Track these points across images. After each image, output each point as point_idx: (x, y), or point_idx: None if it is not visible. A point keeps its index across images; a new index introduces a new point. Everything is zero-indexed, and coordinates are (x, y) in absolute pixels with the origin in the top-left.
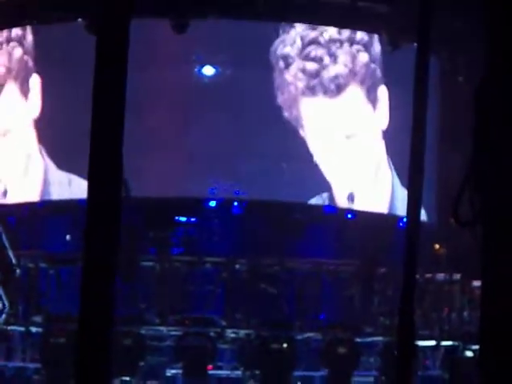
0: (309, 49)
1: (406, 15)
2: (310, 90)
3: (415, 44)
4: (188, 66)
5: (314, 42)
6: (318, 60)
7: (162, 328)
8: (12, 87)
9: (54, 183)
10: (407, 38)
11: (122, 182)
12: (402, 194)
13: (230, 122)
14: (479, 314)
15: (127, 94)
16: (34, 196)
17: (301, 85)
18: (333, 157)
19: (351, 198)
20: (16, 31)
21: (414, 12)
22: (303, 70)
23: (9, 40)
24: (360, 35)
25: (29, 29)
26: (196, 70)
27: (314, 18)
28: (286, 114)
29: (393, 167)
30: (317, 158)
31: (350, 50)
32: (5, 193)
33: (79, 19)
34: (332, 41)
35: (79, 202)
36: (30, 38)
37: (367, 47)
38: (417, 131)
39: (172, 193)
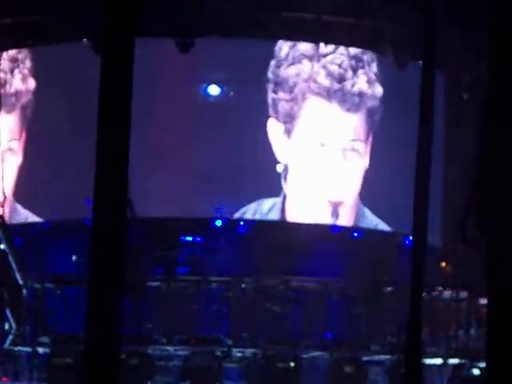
0: (333, 56)
1: (411, 34)
2: (327, 95)
3: (420, 62)
4: (193, 85)
5: (338, 52)
6: (343, 68)
7: (168, 348)
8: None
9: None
10: (412, 57)
11: (128, 203)
12: (367, 212)
13: (235, 141)
14: (486, 331)
15: (132, 113)
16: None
17: (318, 85)
18: (319, 166)
19: (336, 214)
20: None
21: (418, 30)
22: (327, 71)
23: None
24: (376, 65)
25: (28, 53)
26: (201, 89)
27: (319, 37)
28: (280, 109)
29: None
30: (294, 164)
31: (371, 76)
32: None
33: (84, 39)
34: (355, 57)
35: (85, 222)
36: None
37: (378, 77)
38: (423, 149)
39: (178, 213)
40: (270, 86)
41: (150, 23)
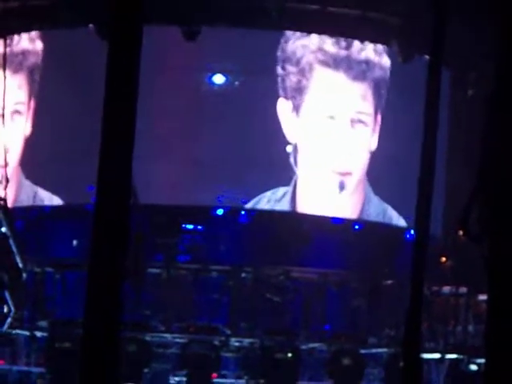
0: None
1: (418, 28)
2: (334, 62)
3: (426, 56)
4: (198, 73)
5: None
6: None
7: (166, 335)
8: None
9: (22, 190)
10: (418, 51)
11: (131, 189)
12: (374, 200)
13: (238, 130)
14: (484, 327)
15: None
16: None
17: (324, 55)
18: (328, 139)
19: (342, 185)
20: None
21: (426, 25)
22: (332, 38)
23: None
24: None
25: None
26: (206, 78)
27: (326, 29)
28: (288, 84)
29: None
30: (303, 141)
31: (378, 48)
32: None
33: (90, 25)
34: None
35: (87, 207)
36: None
37: (386, 50)
38: (427, 144)
39: (180, 200)
40: (279, 64)
41: (156, 11)
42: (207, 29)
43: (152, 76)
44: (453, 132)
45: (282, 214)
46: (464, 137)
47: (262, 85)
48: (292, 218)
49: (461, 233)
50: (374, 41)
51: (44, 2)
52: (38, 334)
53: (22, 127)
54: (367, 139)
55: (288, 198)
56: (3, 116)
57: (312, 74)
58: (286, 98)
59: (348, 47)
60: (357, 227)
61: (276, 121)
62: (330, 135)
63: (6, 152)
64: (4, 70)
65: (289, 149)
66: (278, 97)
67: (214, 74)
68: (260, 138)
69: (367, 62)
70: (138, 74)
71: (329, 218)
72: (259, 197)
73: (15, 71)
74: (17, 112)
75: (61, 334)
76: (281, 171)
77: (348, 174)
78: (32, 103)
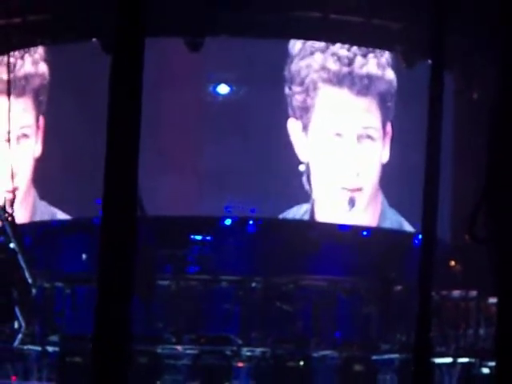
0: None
1: (420, 32)
2: (338, 80)
3: (429, 61)
4: (202, 84)
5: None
6: (353, 52)
7: (178, 347)
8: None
9: (38, 211)
10: (422, 56)
11: (138, 202)
12: (390, 213)
13: (244, 140)
14: (495, 330)
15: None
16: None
17: (327, 73)
18: (336, 156)
19: (352, 202)
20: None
21: (427, 29)
22: (336, 56)
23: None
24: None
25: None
26: (210, 88)
27: (328, 36)
28: (294, 103)
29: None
30: (313, 160)
31: (380, 60)
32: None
33: (94, 39)
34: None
35: (94, 221)
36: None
37: (390, 64)
38: (432, 148)
39: (187, 211)
40: (286, 84)
41: (159, 22)
42: (210, 39)
43: (156, 88)
44: (458, 136)
45: (289, 222)
46: (470, 140)
47: (266, 94)
48: (300, 226)
49: (467, 237)
50: (377, 47)
51: (46, 17)
52: (50, 349)
53: (30, 150)
54: (376, 154)
55: (308, 215)
56: (9, 140)
57: (316, 92)
58: (295, 117)
59: (350, 63)
60: (365, 233)
61: (283, 131)
62: (338, 152)
63: (12, 177)
64: (9, 95)
65: (301, 168)
66: (283, 107)
67: (218, 84)
68: (266, 147)
69: (369, 77)
70: (141, 86)
71: (336, 225)
72: (285, 213)
73: (19, 95)
74: (24, 136)
75: (72, 349)
76: (292, 185)
77: (358, 190)
78: (41, 123)
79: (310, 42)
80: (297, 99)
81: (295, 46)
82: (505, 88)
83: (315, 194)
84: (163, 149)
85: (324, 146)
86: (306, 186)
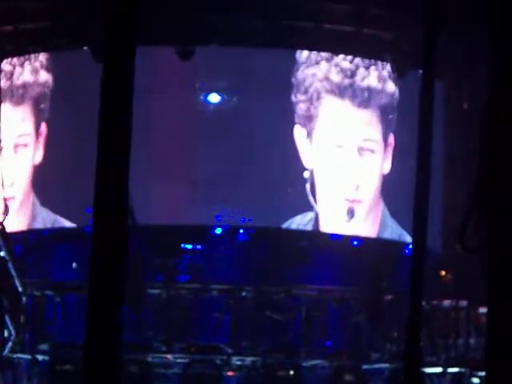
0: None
1: (411, 42)
2: (339, 91)
3: (420, 71)
4: (193, 93)
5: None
6: (355, 64)
7: (168, 355)
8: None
9: (38, 218)
10: (413, 65)
11: (128, 210)
12: (390, 223)
13: (235, 149)
14: (485, 340)
15: (132, 121)
16: (22, 227)
17: (331, 82)
18: (337, 167)
19: (351, 213)
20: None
21: (418, 39)
22: (339, 67)
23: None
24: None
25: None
26: (201, 97)
27: (319, 45)
28: (298, 111)
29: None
30: (315, 168)
31: (382, 73)
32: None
33: (85, 47)
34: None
35: (85, 229)
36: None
37: (391, 76)
38: (422, 157)
39: (178, 220)
40: (293, 92)
41: (150, 31)
42: (201, 48)
43: (147, 96)
44: (449, 144)
45: (279, 231)
46: (460, 150)
47: (258, 103)
48: (290, 236)
49: (458, 246)
50: (368, 57)
51: (38, 25)
52: (40, 357)
53: (28, 158)
54: (376, 167)
55: (312, 224)
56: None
57: (320, 102)
58: (300, 124)
59: (352, 75)
60: (355, 243)
61: (275, 139)
62: (339, 163)
63: (4, 186)
64: None
65: (306, 174)
66: (276, 115)
67: (209, 93)
68: (258, 156)
69: (369, 90)
70: (131, 95)
71: (327, 235)
72: (289, 221)
73: (17, 104)
74: (22, 145)
75: (62, 357)
76: (288, 194)
77: (357, 201)
78: (42, 130)
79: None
80: (301, 107)
81: (302, 54)
82: (496, 92)
83: (318, 202)
84: (154, 157)
85: (326, 156)
86: (309, 194)
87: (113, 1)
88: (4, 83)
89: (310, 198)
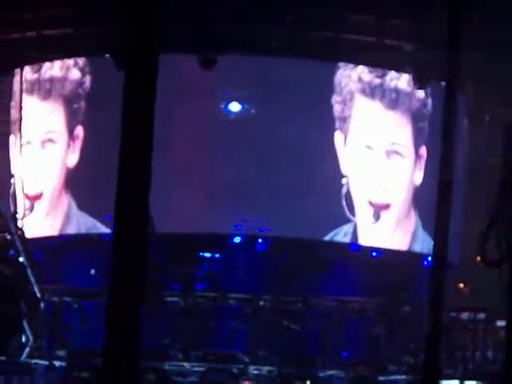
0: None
1: (432, 53)
2: (370, 90)
3: (442, 83)
4: (214, 102)
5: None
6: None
7: (185, 364)
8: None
9: (73, 221)
10: (434, 77)
11: (148, 218)
12: (423, 236)
13: (255, 159)
14: (504, 353)
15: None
16: (53, 231)
17: (362, 83)
18: (366, 169)
19: (377, 215)
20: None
21: (439, 50)
22: (368, 69)
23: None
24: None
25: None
26: (222, 106)
27: (341, 56)
28: (335, 112)
29: (416, 209)
30: (350, 173)
31: (411, 91)
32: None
33: (106, 55)
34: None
35: (104, 236)
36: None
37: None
38: (444, 170)
39: (196, 229)
40: (331, 95)
41: (173, 40)
42: (223, 57)
43: (168, 104)
44: (471, 159)
45: (299, 241)
46: (482, 162)
47: (278, 112)
48: (310, 246)
49: (478, 259)
50: (389, 67)
51: (60, 32)
52: (57, 363)
53: (57, 156)
54: (405, 171)
55: (351, 230)
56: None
57: (352, 103)
58: (339, 129)
59: (383, 75)
60: (374, 254)
61: (292, 146)
62: (368, 165)
63: (22, 181)
64: (20, 99)
65: (344, 181)
66: (296, 124)
67: (230, 102)
68: (278, 165)
69: (397, 91)
70: (154, 103)
71: (346, 245)
72: (337, 230)
73: (44, 98)
74: (49, 140)
75: (79, 364)
76: (303, 205)
77: (385, 206)
78: (79, 133)
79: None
80: (336, 109)
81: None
82: None
83: (356, 212)
84: (174, 166)
85: (356, 158)
86: (345, 207)
87: (136, 10)
88: (31, 76)
89: (346, 211)
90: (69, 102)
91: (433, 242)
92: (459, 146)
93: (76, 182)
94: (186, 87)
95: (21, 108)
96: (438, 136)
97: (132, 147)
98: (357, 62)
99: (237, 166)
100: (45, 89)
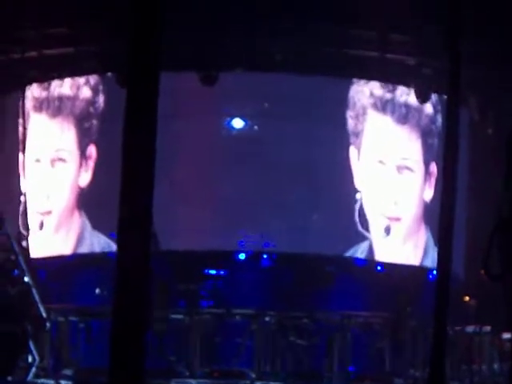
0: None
1: (434, 67)
2: (381, 105)
3: (444, 96)
4: (217, 118)
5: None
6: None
7: (191, 381)
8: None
9: (86, 241)
10: (435, 90)
11: (152, 236)
12: (433, 250)
13: (258, 175)
14: (509, 366)
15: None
16: (66, 250)
17: (372, 99)
18: (377, 183)
19: (388, 230)
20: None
21: (441, 64)
22: (380, 83)
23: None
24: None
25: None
26: (225, 122)
27: (343, 71)
28: (348, 127)
29: (428, 224)
30: (362, 189)
31: (420, 107)
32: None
33: (109, 73)
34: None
35: (109, 255)
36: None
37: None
38: (447, 184)
39: (201, 246)
40: (345, 111)
41: (174, 56)
42: (225, 73)
43: (170, 121)
44: (473, 171)
45: (303, 256)
46: (484, 176)
47: (282, 128)
48: (314, 260)
49: (482, 272)
50: (391, 82)
51: (61, 51)
52: (63, 382)
53: (68, 175)
54: (416, 186)
55: (367, 248)
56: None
57: (365, 117)
58: (353, 144)
59: (393, 90)
60: (379, 268)
61: (296, 162)
62: (380, 180)
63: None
64: (24, 117)
65: (358, 196)
66: (301, 140)
67: (232, 118)
68: (282, 182)
69: (407, 106)
70: (156, 119)
71: (351, 259)
72: (356, 247)
73: (53, 116)
74: (60, 159)
75: (86, 382)
76: (308, 221)
77: (396, 219)
78: (91, 152)
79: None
80: (350, 124)
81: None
82: None
83: (370, 226)
84: (177, 182)
85: (369, 172)
86: (355, 215)
87: (136, 27)
88: (39, 93)
89: (359, 226)
90: (80, 120)
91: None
92: (461, 158)
93: (90, 202)
94: (188, 104)
95: (25, 127)
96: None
97: (134, 164)
98: (359, 77)
99: (240, 182)
100: (54, 107)
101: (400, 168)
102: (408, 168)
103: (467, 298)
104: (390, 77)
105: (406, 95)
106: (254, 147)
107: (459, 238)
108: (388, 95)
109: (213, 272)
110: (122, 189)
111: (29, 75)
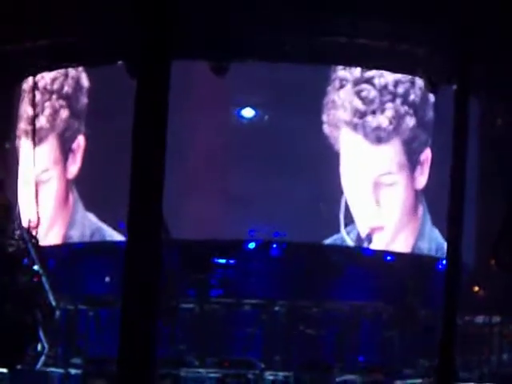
0: (363, 86)
1: (445, 58)
2: (353, 126)
3: (453, 86)
4: (228, 107)
5: (369, 81)
6: (368, 102)
7: (201, 370)
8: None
9: (78, 226)
10: (446, 80)
11: (162, 225)
12: (431, 233)
13: (269, 164)
14: None
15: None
16: (56, 240)
17: (345, 116)
18: (356, 194)
19: (369, 239)
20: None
21: (452, 54)
22: (351, 104)
23: (59, 96)
24: (413, 96)
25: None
26: (236, 112)
27: (353, 61)
28: (325, 131)
29: (425, 203)
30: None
31: (400, 109)
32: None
33: (119, 62)
34: (386, 89)
35: (119, 243)
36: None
37: (417, 111)
38: (456, 173)
39: (211, 235)
40: (324, 111)
41: (185, 46)
42: (236, 63)
43: (181, 111)
44: (483, 162)
45: (313, 246)
46: (494, 166)
47: (292, 118)
48: (324, 250)
49: (493, 262)
50: (401, 72)
51: (72, 40)
52: (72, 371)
53: (53, 188)
54: (398, 195)
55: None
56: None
57: (338, 130)
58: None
59: (362, 115)
60: (389, 258)
61: (305, 152)
62: (358, 191)
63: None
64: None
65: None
66: (310, 131)
67: (243, 107)
68: (292, 171)
69: (379, 129)
70: (166, 110)
71: (360, 249)
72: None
73: (38, 144)
74: (44, 181)
75: (94, 371)
76: (321, 212)
77: (379, 228)
78: (80, 144)
79: (341, 75)
80: (326, 129)
81: (336, 72)
82: None
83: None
84: (188, 172)
85: (347, 182)
86: (340, 216)
87: (148, 16)
88: (25, 126)
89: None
90: (60, 135)
91: (444, 242)
92: (471, 149)
93: (85, 183)
94: (199, 93)
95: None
96: (446, 130)
97: (145, 154)
98: (369, 67)
99: (251, 171)
100: (39, 136)
101: (377, 185)
102: (387, 184)
103: (477, 289)
104: (400, 67)
105: (377, 119)
106: (265, 136)
107: (469, 227)
108: (357, 120)
109: (223, 261)
110: (133, 178)
111: (39, 65)
